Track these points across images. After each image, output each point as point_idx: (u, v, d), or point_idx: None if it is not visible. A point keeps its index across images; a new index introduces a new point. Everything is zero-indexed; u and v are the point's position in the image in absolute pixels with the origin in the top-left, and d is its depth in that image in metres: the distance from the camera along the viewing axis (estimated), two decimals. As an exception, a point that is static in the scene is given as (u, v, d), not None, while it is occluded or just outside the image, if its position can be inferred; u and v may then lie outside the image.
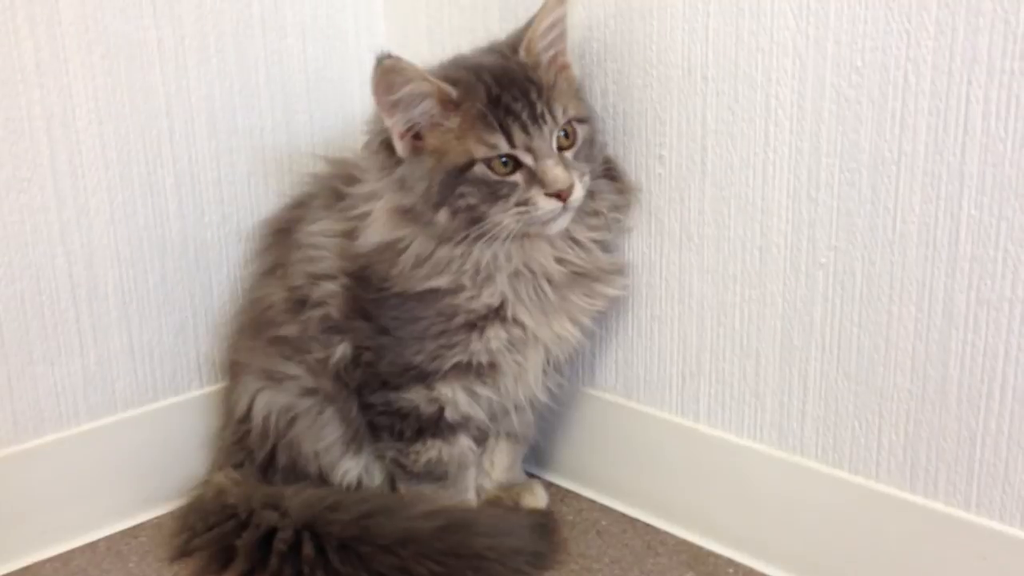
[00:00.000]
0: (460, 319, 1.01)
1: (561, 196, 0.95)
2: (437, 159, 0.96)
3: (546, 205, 0.96)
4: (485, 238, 0.96)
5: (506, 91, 0.96)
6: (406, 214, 0.99)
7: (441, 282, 0.99)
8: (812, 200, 0.95)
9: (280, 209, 1.18)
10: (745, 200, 1.00)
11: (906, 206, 0.88)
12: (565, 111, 0.98)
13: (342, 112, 1.30)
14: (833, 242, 0.94)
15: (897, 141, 0.87)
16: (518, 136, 0.95)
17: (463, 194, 0.95)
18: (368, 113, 1.05)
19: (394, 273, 1.00)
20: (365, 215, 1.01)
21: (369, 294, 1.02)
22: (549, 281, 1.01)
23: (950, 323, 0.88)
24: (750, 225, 1.00)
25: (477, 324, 1.01)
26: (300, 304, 1.07)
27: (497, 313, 1.01)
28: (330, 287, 1.05)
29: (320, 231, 1.06)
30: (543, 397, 1.12)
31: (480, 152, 0.95)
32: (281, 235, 1.13)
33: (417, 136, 0.97)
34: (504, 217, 0.95)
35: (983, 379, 0.87)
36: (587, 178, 0.99)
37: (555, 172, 0.95)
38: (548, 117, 0.96)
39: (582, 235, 1.02)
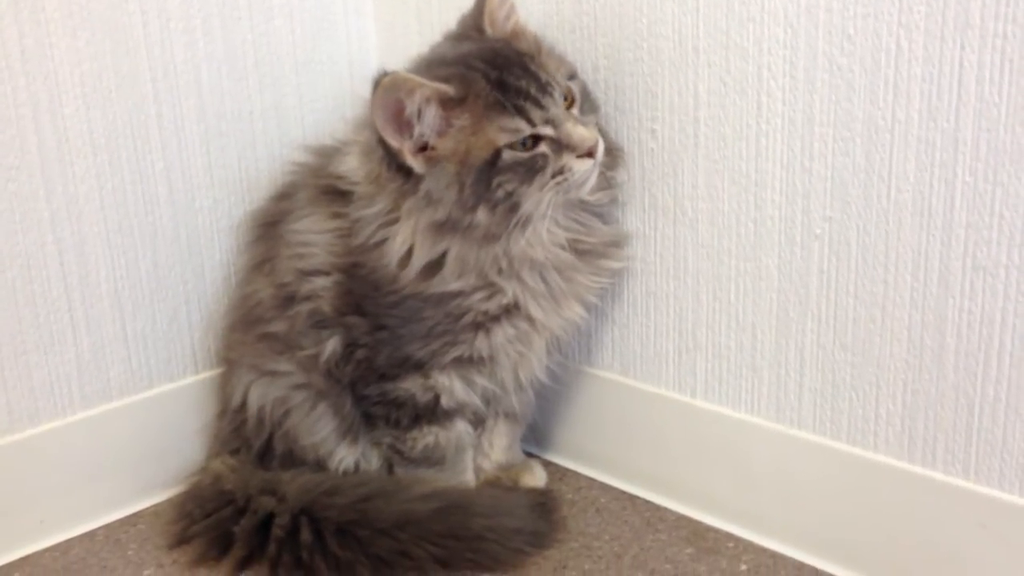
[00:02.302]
0: (468, 319, 1.00)
1: (591, 153, 0.95)
2: (459, 161, 0.93)
3: (581, 167, 0.95)
4: (529, 223, 0.95)
5: (505, 71, 0.94)
6: (442, 227, 0.95)
7: (460, 284, 0.98)
8: (806, 170, 0.94)
9: (266, 201, 1.16)
10: (738, 172, 0.99)
11: (901, 174, 0.87)
12: (559, 71, 0.97)
13: (332, 94, 1.29)
14: (828, 212, 0.93)
15: (891, 108, 0.87)
16: (535, 113, 0.93)
17: (500, 184, 0.93)
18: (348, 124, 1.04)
19: (407, 276, 0.98)
20: (385, 240, 0.98)
21: (367, 291, 1.01)
22: (558, 269, 1.00)
23: (946, 291, 0.87)
24: (744, 197, 0.99)
25: (485, 324, 1.00)
26: (289, 300, 1.06)
27: (508, 311, 1.00)
28: (321, 282, 1.03)
29: (308, 228, 1.04)
30: (544, 378, 1.12)
31: (503, 139, 0.93)
32: (268, 228, 1.11)
33: (425, 148, 0.94)
34: (544, 193, 0.94)
35: (980, 346, 0.86)
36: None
37: (580, 132, 0.94)
38: (553, 83, 0.95)
39: (588, 196, 1.00)
